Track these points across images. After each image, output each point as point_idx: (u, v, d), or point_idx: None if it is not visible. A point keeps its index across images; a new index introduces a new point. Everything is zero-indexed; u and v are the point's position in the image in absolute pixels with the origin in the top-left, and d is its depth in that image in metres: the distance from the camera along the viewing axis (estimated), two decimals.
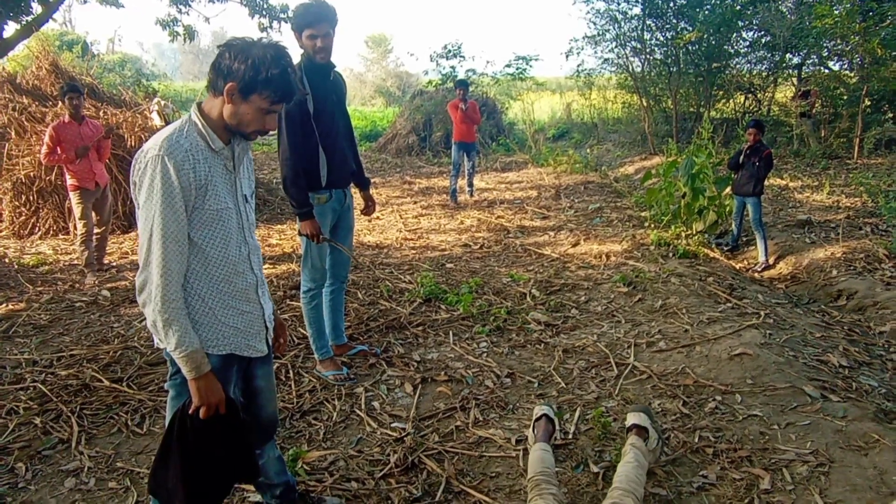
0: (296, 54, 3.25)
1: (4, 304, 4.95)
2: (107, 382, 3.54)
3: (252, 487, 2.61)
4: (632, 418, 2.62)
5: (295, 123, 3.16)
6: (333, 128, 3.36)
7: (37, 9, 7.58)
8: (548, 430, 2.65)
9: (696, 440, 2.86)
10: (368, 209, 3.82)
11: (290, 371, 3.66)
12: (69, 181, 5.49)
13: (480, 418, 3.16)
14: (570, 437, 2.95)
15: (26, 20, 7.45)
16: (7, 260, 6.21)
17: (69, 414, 3.24)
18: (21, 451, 2.94)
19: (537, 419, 2.73)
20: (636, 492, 2.19)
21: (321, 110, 3.28)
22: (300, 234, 3.33)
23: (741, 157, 6.12)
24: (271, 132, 1.97)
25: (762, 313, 4.30)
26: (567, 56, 13.94)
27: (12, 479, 2.76)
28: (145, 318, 1.77)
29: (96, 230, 5.72)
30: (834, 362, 3.70)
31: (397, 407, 3.30)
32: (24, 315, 4.69)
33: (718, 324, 4.10)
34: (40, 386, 3.51)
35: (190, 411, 1.77)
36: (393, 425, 3.10)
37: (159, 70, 32.68)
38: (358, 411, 3.25)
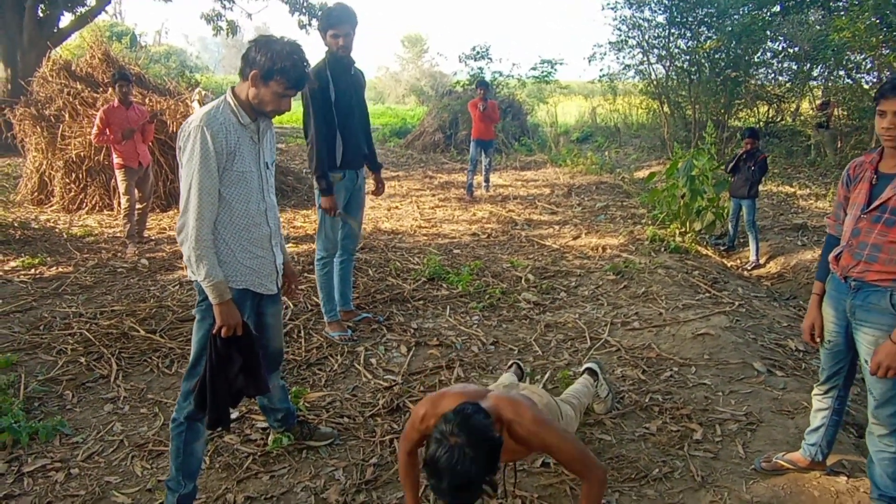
0: (321, 50, 3.81)
1: (55, 267, 5.55)
2: (143, 332, 4.07)
3: (261, 416, 3.11)
4: (586, 364, 3.07)
5: (319, 109, 3.67)
6: (351, 115, 3.86)
7: (90, 1, 8.25)
8: (517, 372, 3.11)
9: (647, 401, 3.25)
10: (378, 190, 4.35)
11: (302, 331, 4.15)
12: (115, 160, 6.08)
13: (462, 376, 3.60)
14: None
15: (81, 11, 8.11)
16: (57, 230, 6.86)
17: (109, 356, 3.77)
18: (69, 383, 3.48)
19: (508, 366, 3.19)
20: (580, 399, 2.68)
21: (341, 99, 3.78)
22: (319, 207, 3.82)
23: (738, 162, 6.44)
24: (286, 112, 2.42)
25: (736, 303, 4.65)
26: (590, 61, 14.21)
27: (61, 403, 3.30)
28: (178, 284, 2.29)
29: (138, 206, 6.31)
30: (791, 347, 4.04)
31: (392, 364, 3.76)
32: (71, 277, 5.27)
33: (692, 310, 4.46)
34: (85, 333, 4.06)
35: (213, 332, 2.24)
36: (385, 377, 3.56)
37: (202, 62, 33.81)
38: (357, 365, 3.71)
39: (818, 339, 2.45)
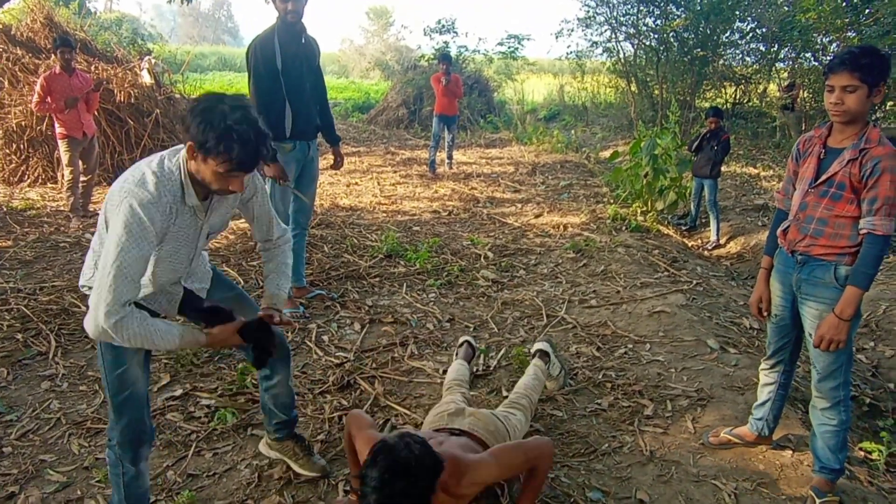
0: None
1: None
2: (84, 308, 3.87)
3: (205, 393, 3.00)
4: (537, 345, 3.02)
5: (261, 76, 3.53)
6: (301, 85, 3.71)
7: None
8: (468, 353, 3.06)
9: (600, 377, 3.25)
10: (336, 164, 4.23)
11: None
12: (58, 129, 5.78)
13: (416, 353, 3.54)
14: (491, 370, 3.34)
15: None
16: None
17: (48, 332, 3.60)
18: (3, 360, 3.32)
19: (460, 345, 3.13)
20: (530, 396, 2.62)
21: (289, 68, 3.63)
22: (265, 176, 3.67)
23: (701, 141, 6.47)
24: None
25: (694, 282, 4.68)
26: (557, 37, 14.12)
27: None
28: None
29: (82, 178, 6.03)
30: (746, 325, 4.09)
31: (344, 341, 3.68)
32: (10, 251, 5.02)
33: (650, 288, 4.48)
34: (23, 308, 3.86)
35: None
36: (337, 354, 3.48)
37: (157, 31, 32.58)
38: (308, 342, 3.62)
39: (766, 314, 2.45)
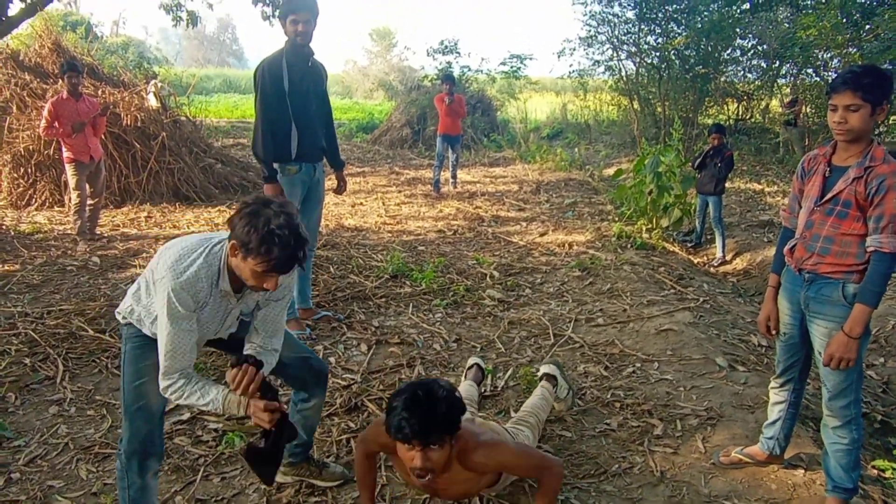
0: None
1: (1, 265, 5.30)
2: (91, 332, 3.90)
3: (213, 416, 2.99)
4: (544, 368, 3.01)
5: (268, 97, 3.59)
6: (307, 107, 3.76)
7: None
8: (477, 375, 3.06)
9: (609, 396, 3.23)
10: (340, 188, 4.26)
11: None
12: (65, 154, 5.85)
13: (423, 374, 3.53)
14: (499, 390, 3.32)
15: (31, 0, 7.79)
16: (4, 227, 6.57)
17: (56, 356, 3.60)
18: (11, 384, 3.31)
19: (469, 367, 3.12)
20: (538, 415, 2.62)
21: (296, 90, 3.68)
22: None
23: (705, 158, 6.49)
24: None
25: (700, 299, 4.67)
26: (559, 56, 14.23)
27: (3, 406, 3.14)
28: (130, 282, 2.06)
29: (89, 201, 6.08)
30: (754, 342, 4.07)
31: (351, 362, 3.67)
32: (18, 275, 5.05)
33: (657, 306, 4.46)
34: (31, 333, 3.87)
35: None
36: (344, 376, 3.47)
37: (162, 54, 32.99)
38: None
39: (774, 332, 2.44)
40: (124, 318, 2.11)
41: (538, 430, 2.62)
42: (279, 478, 2.53)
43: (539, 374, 3.04)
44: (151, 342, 2.04)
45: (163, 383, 1.96)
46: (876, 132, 2.14)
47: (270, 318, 2.15)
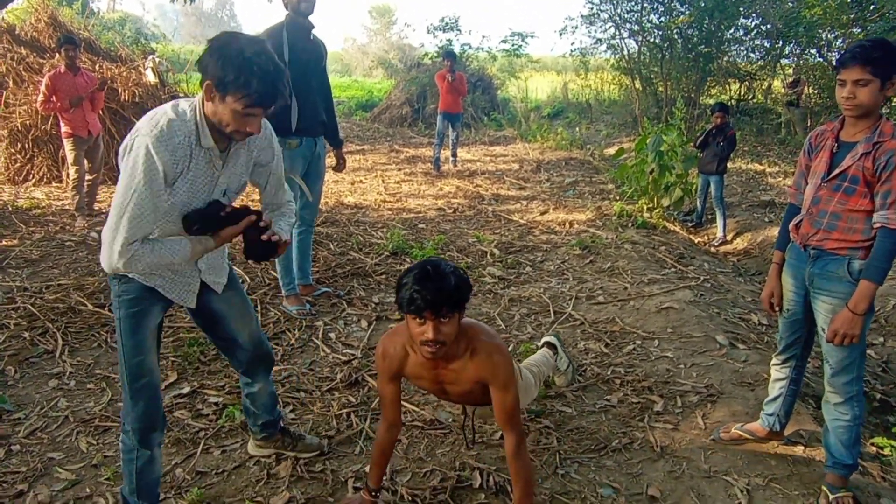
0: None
1: None
2: (90, 307, 3.89)
3: (213, 390, 2.99)
4: (544, 339, 3.01)
5: None
6: (308, 80, 3.71)
7: None
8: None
9: (609, 373, 3.23)
10: (339, 166, 4.24)
11: (259, 305, 4.01)
12: (63, 129, 5.79)
13: None
14: None
15: None
16: (1, 202, 6.53)
17: (55, 330, 3.60)
18: (11, 358, 3.31)
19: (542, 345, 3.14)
20: (540, 367, 2.67)
21: (296, 63, 3.63)
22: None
23: (707, 137, 6.44)
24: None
25: (701, 278, 4.66)
26: (561, 34, 14.09)
27: (2, 379, 3.13)
28: None
29: (88, 176, 6.04)
30: (754, 321, 4.07)
31: (351, 338, 3.67)
32: (16, 250, 5.02)
33: (657, 284, 4.45)
34: (30, 307, 3.86)
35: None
36: (344, 351, 3.47)
37: (160, 31, 32.60)
38: (315, 340, 3.61)
39: (777, 308, 2.43)
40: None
41: (539, 382, 2.65)
42: (256, 451, 2.55)
43: (539, 343, 3.05)
44: (146, 298, 1.94)
45: (121, 260, 1.73)
46: (883, 109, 2.10)
47: (272, 180, 2.15)
